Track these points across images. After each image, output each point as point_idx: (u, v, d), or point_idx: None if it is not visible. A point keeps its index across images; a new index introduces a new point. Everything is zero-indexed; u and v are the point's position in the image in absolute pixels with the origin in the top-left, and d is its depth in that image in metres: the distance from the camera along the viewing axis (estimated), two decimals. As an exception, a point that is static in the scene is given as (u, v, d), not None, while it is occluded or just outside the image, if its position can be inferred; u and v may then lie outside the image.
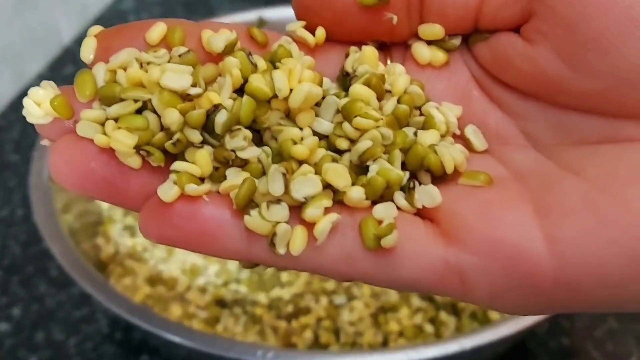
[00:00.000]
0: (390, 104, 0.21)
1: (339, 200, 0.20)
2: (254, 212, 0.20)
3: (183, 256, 0.52)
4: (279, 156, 0.20)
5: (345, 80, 0.22)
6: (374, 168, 0.20)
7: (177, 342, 0.41)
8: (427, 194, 0.20)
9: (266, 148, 0.21)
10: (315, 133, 0.21)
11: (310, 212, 0.19)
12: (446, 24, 0.22)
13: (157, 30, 0.21)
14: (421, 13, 0.22)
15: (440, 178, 0.21)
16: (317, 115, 0.21)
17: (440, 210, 0.20)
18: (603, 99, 0.20)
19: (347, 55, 0.22)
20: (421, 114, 0.22)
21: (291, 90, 0.20)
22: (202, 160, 0.20)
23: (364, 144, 0.20)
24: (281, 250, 0.20)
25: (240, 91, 0.20)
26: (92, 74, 0.20)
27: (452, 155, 0.21)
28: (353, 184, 0.20)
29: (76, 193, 0.20)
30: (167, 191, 0.19)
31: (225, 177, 0.20)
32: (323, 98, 0.21)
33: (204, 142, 0.20)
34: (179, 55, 0.20)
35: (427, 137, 0.21)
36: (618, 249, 0.18)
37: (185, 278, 0.51)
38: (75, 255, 0.45)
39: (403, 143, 0.21)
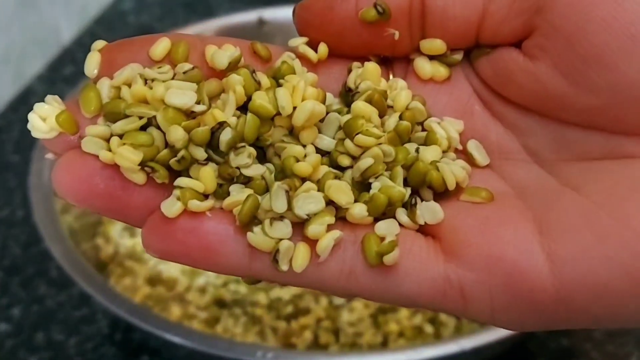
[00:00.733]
0: (392, 121, 0.21)
1: (341, 217, 0.20)
2: (257, 229, 0.20)
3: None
4: (282, 173, 0.20)
5: (347, 96, 0.22)
6: (376, 185, 0.21)
7: (177, 343, 0.41)
8: (429, 211, 0.20)
9: (269, 165, 0.21)
10: (317, 149, 0.21)
11: (313, 229, 0.20)
12: (448, 39, 0.22)
13: (161, 45, 0.21)
14: (423, 28, 0.22)
15: (442, 194, 0.21)
16: (319, 131, 0.21)
17: (442, 226, 0.20)
18: (604, 115, 0.20)
19: (349, 71, 0.22)
20: (423, 129, 0.22)
21: (294, 108, 0.20)
22: (206, 177, 0.20)
23: (365, 162, 0.20)
24: (284, 267, 0.20)
25: (243, 108, 0.20)
26: (97, 89, 0.20)
27: (453, 171, 0.21)
28: (355, 201, 0.20)
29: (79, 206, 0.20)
30: (171, 207, 0.20)
31: (228, 194, 0.20)
32: (326, 114, 0.21)
33: (209, 159, 0.20)
34: (184, 73, 0.20)
35: (429, 154, 0.21)
36: (616, 265, 0.18)
37: (185, 278, 0.51)
38: (75, 255, 0.45)
39: (405, 160, 0.21)
